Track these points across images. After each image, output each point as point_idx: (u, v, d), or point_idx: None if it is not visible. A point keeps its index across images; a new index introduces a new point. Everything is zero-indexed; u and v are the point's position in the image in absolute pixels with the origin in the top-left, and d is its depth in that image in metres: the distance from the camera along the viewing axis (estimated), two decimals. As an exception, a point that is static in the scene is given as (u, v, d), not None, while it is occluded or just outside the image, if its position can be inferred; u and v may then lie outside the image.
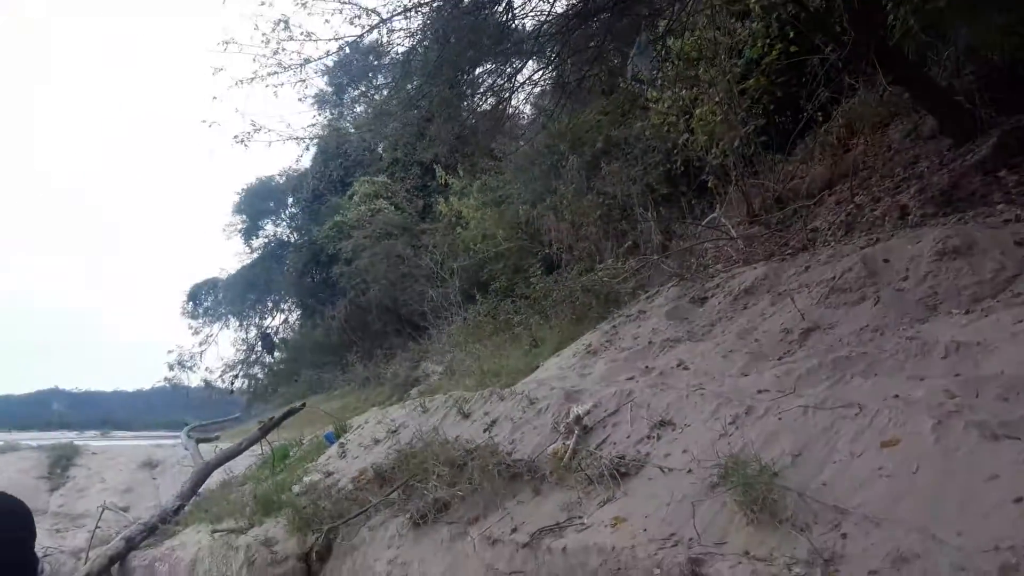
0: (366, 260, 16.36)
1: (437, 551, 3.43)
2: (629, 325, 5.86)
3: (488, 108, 9.04)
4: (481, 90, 8.64)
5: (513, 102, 10.09)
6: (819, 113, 6.58)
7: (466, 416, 4.69)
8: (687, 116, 7.17)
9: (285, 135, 9.68)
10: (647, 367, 4.70)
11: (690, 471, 2.90)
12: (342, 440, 5.84)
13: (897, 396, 2.78)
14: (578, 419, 3.64)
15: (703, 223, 7.48)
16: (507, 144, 11.50)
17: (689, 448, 3.09)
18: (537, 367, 6.34)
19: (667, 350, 4.88)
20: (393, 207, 16.80)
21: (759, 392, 3.40)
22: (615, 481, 3.08)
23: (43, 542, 7.84)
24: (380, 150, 19.41)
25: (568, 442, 3.53)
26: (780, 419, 2.94)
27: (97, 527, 7.24)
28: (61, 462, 12.89)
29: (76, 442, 15.74)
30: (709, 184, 7.60)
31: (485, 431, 4.25)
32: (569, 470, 3.33)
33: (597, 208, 9.44)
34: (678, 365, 4.45)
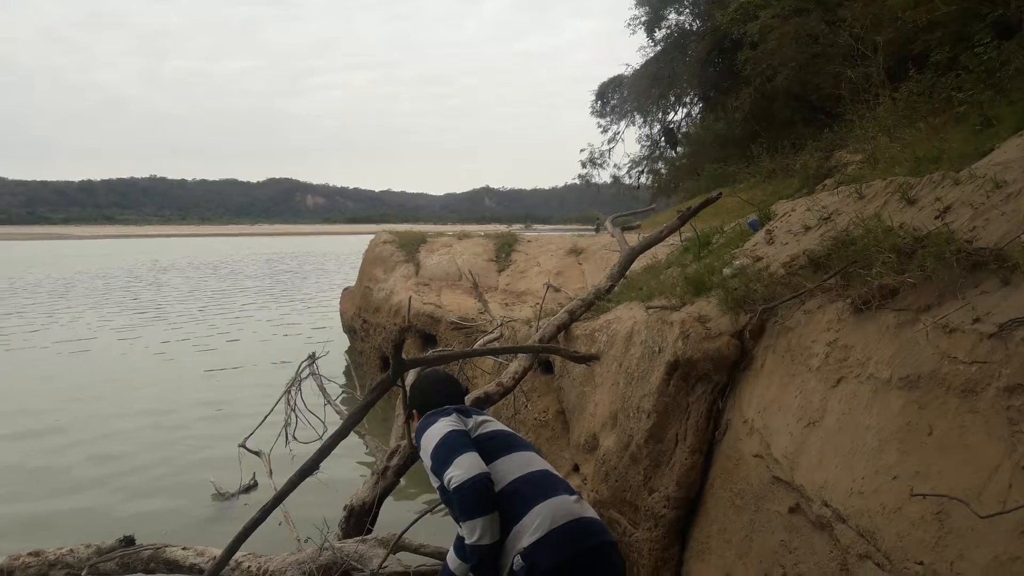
0: (773, 42, 15.22)
1: (882, 336, 3.39)
2: None
3: None
4: None
5: None
6: None
7: (911, 202, 4.34)
8: None
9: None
10: None
11: None
12: (768, 227, 5.87)
13: None
14: (1066, 203, 3.15)
15: None
16: None
17: None
18: (991, 150, 5.49)
19: None
20: (807, -23, 15.07)
21: None
22: (1117, 272, 2.67)
23: (498, 312, 9.55)
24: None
25: (1051, 229, 3.10)
26: None
27: (539, 303, 8.38)
28: (504, 248, 15.28)
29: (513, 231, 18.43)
30: None
31: (936, 218, 3.91)
32: (1051, 259, 2.95)
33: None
34: None
